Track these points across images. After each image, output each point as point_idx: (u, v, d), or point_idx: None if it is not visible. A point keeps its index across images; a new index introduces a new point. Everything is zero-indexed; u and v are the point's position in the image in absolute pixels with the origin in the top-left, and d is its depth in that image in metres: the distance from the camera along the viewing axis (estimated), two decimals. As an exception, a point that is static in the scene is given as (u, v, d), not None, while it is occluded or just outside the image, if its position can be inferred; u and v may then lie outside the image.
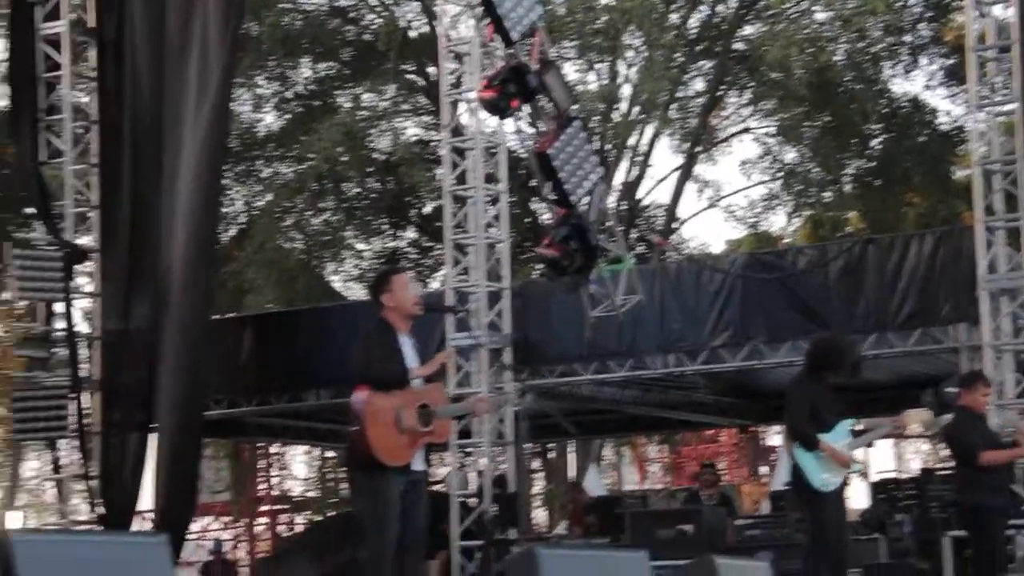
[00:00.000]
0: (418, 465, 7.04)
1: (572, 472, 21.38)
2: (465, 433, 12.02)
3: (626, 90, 20.42)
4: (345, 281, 23.06)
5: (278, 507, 17.42)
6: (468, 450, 12.52)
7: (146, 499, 12.54)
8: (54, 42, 12.72)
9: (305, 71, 22.25)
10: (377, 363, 6.90)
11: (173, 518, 11.67)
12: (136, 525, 13.05)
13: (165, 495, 11.81)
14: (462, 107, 12.45)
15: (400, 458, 6.89)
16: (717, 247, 26.29)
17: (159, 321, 12.02)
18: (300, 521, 18.80)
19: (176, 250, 11.93)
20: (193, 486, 12.40)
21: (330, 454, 21.25)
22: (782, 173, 22.72)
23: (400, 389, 6.92)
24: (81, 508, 12.39)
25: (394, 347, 6.99)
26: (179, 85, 12.08)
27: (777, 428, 19.70)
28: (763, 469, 28.48)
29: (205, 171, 11.95)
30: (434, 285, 21.21)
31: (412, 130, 22.14)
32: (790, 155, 22.55)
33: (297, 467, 23.44)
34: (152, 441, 12.12)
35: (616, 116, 20.31)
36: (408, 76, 21.86)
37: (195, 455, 12.36)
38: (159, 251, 12.23)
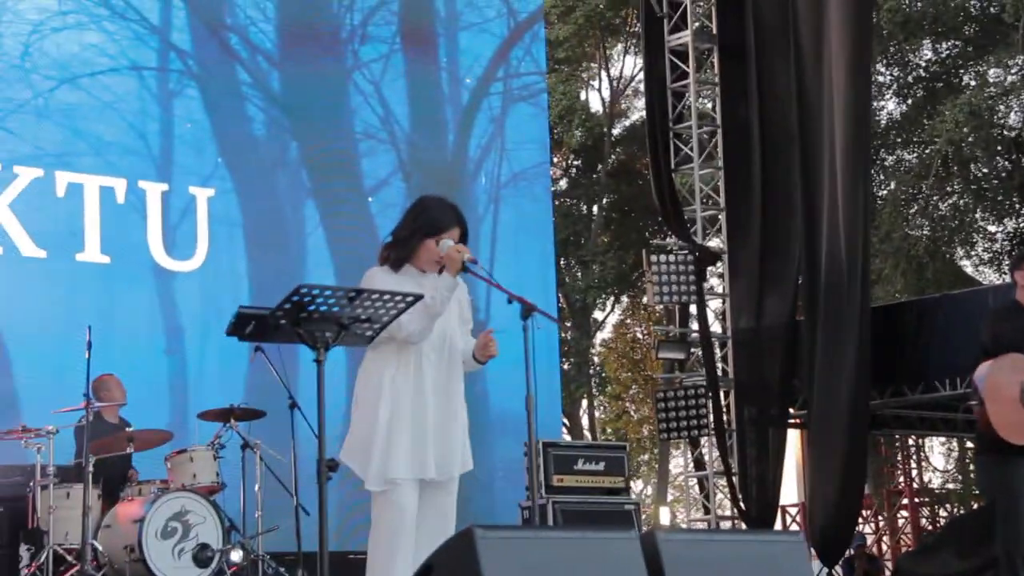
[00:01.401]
0: None
1: None
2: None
3: None
4: (977, 266, 22.31)
5: (918, 500, 17.15)
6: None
7: (789, 494, 12.64)
8: (680, 52, 13.29)
9: (926, 53, 21.76)
10: (1005, 334, 6.61)
11: (838, 516, 11.70)
12: (778, 521, 13.28)
13: (830, 492, 11.71)
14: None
15: None
16: None
17: (811, 316, 12.05)
18: (942, 514, 18.40)
19: (824, 245, 11.88)
20: (859, 483, 12.09)
21: (969, 445, 20.59)
22: None
23: None
24: (725, 504, 12.79)
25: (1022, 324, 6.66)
26: (815, 81, 12.11)
27: None
28: None
29: (850, 165, 11.78)
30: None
31: (1044, 103, 21.07)
32: None
33: (936, 459, 22.97)
34: (794, 437, 12.15)
35: None
36: (1038, 46, 20.83)
37: (859, 452, 12.01)
38: (791, 249, 12.42)
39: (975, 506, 17.81)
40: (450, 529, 5.25)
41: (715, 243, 13.35)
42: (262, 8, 12.23)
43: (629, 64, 24.90)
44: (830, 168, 11.93)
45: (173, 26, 11.82)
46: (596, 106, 24.96)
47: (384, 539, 5.12)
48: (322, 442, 4.73)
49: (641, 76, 19.56)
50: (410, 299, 4.88)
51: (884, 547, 16.73)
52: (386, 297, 4.80)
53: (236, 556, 8.28)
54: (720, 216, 13.17)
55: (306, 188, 12.39)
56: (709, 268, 13.54)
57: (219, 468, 8.67)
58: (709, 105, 13.58)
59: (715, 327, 13.13)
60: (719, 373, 12.70)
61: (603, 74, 25.03)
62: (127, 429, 8.69)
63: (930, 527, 17.27)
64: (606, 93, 24.95)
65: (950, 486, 21.65)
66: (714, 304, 13.43)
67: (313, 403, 4.89)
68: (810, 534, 12.34)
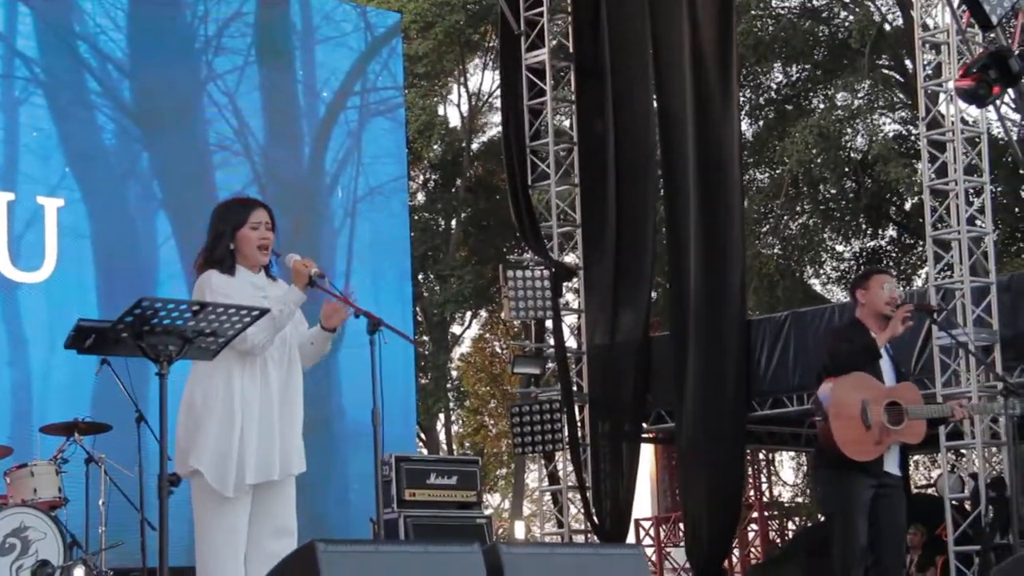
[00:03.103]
0: (891, 468, 6.72)
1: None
2: (956, 434, 11.62)
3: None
4: (825, 284, 22.86)
5: (768, 513, 17.50)
6: (961, 451, 12.10)
7: (642, 508, 12.80)
8: (537, 70, 13.38)
9: (777, 75, 22.24)
10: (843, 353, 6.77)
11: (717, 529, 11.87)
12: (631, 535, 13.39)
13: (707, 504, 11.90)
14: (940, 98, 12.08)
15: (865, 454, 6.60)
16: None
17: (679, 330, 12.27)
18: (791, 527, 18.81)
19: (692, 259, 12.09)
20: (737, 495, 12.31)
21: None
22: None
23: (868, 383, 6.71)
24: (579, 518, 12.89)
25: (863, 343, 6.81)
26: (677, 100, 12.30)
27: None
28: None
29: (725, 179, 12.04)
30: (919, 283, 20.68)
31: (889, 126, 21.70)
32: None
33: (785, 473, 23.47)
34: (647, 452, 12.35)
35: (1111, 94, 19.01)
36: (884, 71, 21.43)
37: (738, 464, 12.31)
38: (644, 267, 12.58)
39: (820, 519, 18.24)
40: (285, 526, 5.23)
41: (571, 259, 13.46)
42: (112, 17, 12.01)
43: (488, 79, 25.03)
44: (697, 184, 12.10)
45: (19, 32, 11.54)
46: (455, 121, 25.05)
47: (222, 546, 5.06)
48: (163, 455, 4.66)
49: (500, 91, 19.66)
50: (255, 313, 4.84)
51: (734, 559, 17.02)
52: (231, 311, 4.76)
53: (79, 572, 8.10)
54: (576, 232, 13.29)
55: (158, 199, 12.19)
56: (565, 284, 13.63)
57: (61, 483, 8.50)
58: (566, 123, 13.70)
59: (571, 342, 13.23)
60: (574, 388, 12.80)
61: (461, 89, 25.13)
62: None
63: (779, 540, 17.61)
64: (464, 108, 25.05)
65: (799, 499, 22.12)
66: (570, 320, 13.55)
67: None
68: (690, 548, 12.48)
